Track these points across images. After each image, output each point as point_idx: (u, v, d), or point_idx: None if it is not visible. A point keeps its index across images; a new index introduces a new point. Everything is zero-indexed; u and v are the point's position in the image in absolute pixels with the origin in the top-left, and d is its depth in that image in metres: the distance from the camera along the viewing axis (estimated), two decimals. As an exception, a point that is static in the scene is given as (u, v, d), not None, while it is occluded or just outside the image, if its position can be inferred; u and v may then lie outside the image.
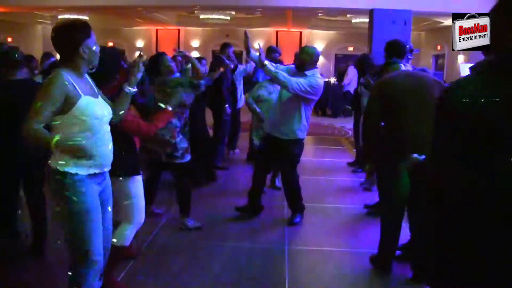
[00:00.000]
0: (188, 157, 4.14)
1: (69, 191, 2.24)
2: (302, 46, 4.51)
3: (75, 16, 17.28)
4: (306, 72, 4.23)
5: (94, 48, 2.32)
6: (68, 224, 2.30)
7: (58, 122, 2.23)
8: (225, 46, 6.74)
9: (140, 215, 3.10)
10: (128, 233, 3.07)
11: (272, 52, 6.35)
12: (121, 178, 2.95)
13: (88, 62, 2.32)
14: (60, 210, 2.29)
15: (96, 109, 2.30)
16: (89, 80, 2.43)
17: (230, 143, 7.36)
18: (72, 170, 2.25)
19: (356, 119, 6.49)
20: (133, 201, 3.04)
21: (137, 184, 3.08)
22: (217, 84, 6.36)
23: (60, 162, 2.25)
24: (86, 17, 17.79)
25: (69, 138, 2.19)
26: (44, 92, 2.18)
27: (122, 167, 2.85)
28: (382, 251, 3.44)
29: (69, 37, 2.26)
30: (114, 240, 2.85)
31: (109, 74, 2.93)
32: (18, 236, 3.74)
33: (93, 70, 2.39)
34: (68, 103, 2.20)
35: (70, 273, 2.36)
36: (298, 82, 4.12)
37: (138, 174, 3.08)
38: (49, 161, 2.30)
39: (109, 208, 2.56)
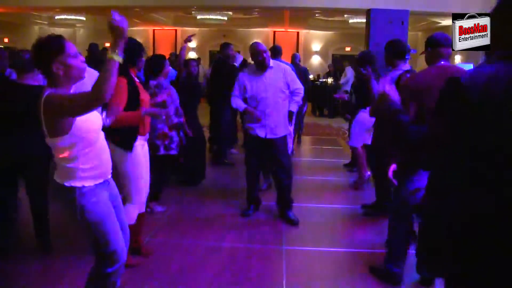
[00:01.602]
0: (177, 150, 4.46)
1: (81, 203, 2.26)
2: (253, 46, 4.38)
3: (72, 17, 17.30)
4: (271, 65, 4.37)
5: (72, 62, 2.21)
6: (89, 233, 2.34)
7: (60, 143, 2.21)
8: (225, 46, 6.76)
9: (140, 195, 3.34)
10: (130, 212, 3.28)
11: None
12: (119, 149, 3.19)
13: (68, 77, 2.22)
14: (77, 221, 2.31)
15: (92, 122, 2.29)
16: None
17: (229, 142, 7.43)
18: (78, 184, 2.27)
19: (351, 119, 6.50)
20: (132, 181, 3.27)
21: (136, 164, 3.28)
22: (219, 83, 6.39)
23: (64, 177, 2.27)
24: (83, 18, 17.81)
25: (72, 157, 2.24)
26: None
27: (121, 137, 3.18)
28: (391, 259, 3.27)
29: (39, 56, 2.23)
30: None
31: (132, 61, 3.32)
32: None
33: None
34: (67, 123, 2.17)
35: (91, 275, 2.44)
36: (297, 87, 4.45)
37: (130, 150, 3.25)
38: (54, 177, 2.31)
39: (121, 212, 2.60)
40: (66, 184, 2.26)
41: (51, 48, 2.19)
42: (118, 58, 2.05)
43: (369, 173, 5.63)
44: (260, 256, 3.74)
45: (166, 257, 3.65)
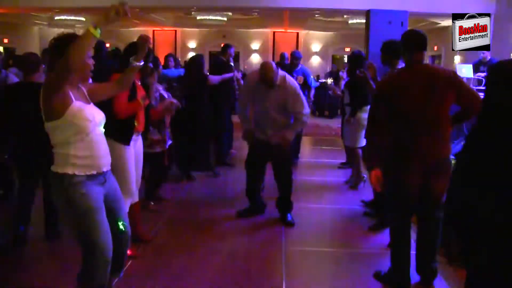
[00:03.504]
0: (157, 148, 4.55)
1: (69, 192, 2.33)
2: (265, 68, 4.24)
3: (72, 17, 17.26)
4: (278, 83, 4.25)
5: (88, 62, 2.43)
6: (74, 224, 2.41)
7: (53, 126, 2.34)
8: (226, 47, 6.78)
9: (129, 185, 3.45)
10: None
11: (294, 59, 6.97)
12: (116, 142, 3.31)
13: (80, 75, 2.42)
14: (65, 211, 2.40)
15: (87, 112, 2.40)
16: (83, 90, 2.52)
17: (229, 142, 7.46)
18: (69, 171, 2.34)
19: (343, 118, 6.56)
20: (122, 174, 3.32)
21: (128, 156, 3.44)
22: (219, 83, 6.41)
23: (58, 165, 2.36)
24: (82, 18, 17.80)
25: (65, 142, 2.35)
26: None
27: (117, 133, 3.31)
28: (396, 268, 3.22)
29: (60, 51, 2.32)
30: None
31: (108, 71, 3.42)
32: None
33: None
34: (61, 107, 2.30)
35: (81, 268, 2.47)
36: (305, 109, 4.30)
37: (128, 144, 3.45)
38: (51, 167, 2.39)
39: (122, 208, 2.68)
40: (59, 171, 2.35)
41: None
42: (96, 33, 2.16)
43: (365, 176, 5.67)
44: (259, 257, 3.74)
45: (166, 257, 3.65)
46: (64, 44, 2.32)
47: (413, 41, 3.02)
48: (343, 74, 11.51)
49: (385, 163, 3.14)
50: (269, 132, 4.37)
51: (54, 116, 2.31)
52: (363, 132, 5.20)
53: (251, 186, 4.63)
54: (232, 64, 6.79)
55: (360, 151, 5.51)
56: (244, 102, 4.53)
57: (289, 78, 4.37)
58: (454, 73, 3.07)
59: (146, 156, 4.37)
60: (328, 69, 18.17)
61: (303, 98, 4.37)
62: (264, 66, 4.28)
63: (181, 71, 6.40)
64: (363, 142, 5.27)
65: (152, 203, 4.77)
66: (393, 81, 3.13)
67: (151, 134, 4.43)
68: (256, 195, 4.68)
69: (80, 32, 2.57)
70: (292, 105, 4.28)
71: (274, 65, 4.30)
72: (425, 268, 3.19)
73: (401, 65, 4.21)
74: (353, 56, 5.41)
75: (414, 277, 3.23)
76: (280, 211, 4.57)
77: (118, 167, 3.35)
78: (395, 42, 4.23)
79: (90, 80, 3.75)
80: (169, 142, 4.79)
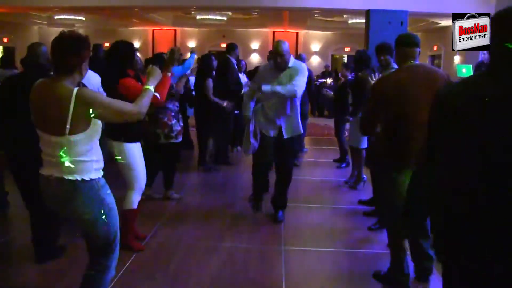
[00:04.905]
0: (180, 138, 4.80)
1: (101, 194, 2.37)
2: (275, 45, 4.31)
3: (72, 17, 17.26)
4: (290, 65, 4.24)
5: (86, 67, 2.36)
6: (104, 223, 2.38)
7: (79, 139, 2.23)
8: (232, 46, 6.75)
9: (141, 182, 3.65)
10: (133, 198, 3.64)
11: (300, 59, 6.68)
12: (123, 143, 3.50)
13: (81, 78, 2.36)
14: (96, 214, 2.34)
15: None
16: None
17: (234, 140, 7.47)
18: (94, 176, 2.34)
19: (338, 116, 6.57)
20: (134, 171, 3.59)
21: (137, 154, 3.60)
22: (224, 82, 6.41)
23: (82, 172, 2.29)
24: (82, 18, 17.80)
25: (87, 150, 2.30)
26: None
27: (124, 133, 3.45)
28: (395, 267, 3.22)
29: (77, 51, 2.25)
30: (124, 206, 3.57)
31: (125, 67, 3.52)
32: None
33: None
34: (88, 119, 2.22)
35: (91, 267, 2.46)
36: (296, 84, 4.11)
37: (137, 141, 3.61)
38: (66, 177, 2.26)
39: None
40: (85, 178, 2.29)
41: (88, 48, 2.33)
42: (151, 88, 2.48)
43: (365, 177, 5.67)
44: (259, 256, 3.74)
45: (166, 257, 3.65)
46: (82, 48, 2.26)
47: (401, 37, 3.17)
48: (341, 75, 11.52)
49: (382, 163, 3.16)
50: (277, 122, 4.30)
51: (83, 128, 2.23)
52: None
53: (257, 193, 4.63)
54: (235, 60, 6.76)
55: (364, 152, 5.51)
56: (253, 89, 4.43)
57: (301, 63, 4.41)
58: (447, 74, 3.16)
59: (170, 146, 4.71)
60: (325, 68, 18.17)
61: (304, 79, 4.22)
62: (277, 42, 4.29)
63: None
64: (366, 143, 5.26)
65: (174, 193, 5.04)
66: (392, 81, 3.13)
67: (175, 126, 4.66)
68: (261, 190, 4.69)
69: (80, 31, 2.55)
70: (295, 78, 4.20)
71: (287, 44, 4.26)
72: (420, 263, 3.20)
73: (393, 64, 4.26)
74: (358, 55, 5.41)
75: (411, 274, 3.25)
76: (274, 207, 4.59)
77: (124, 164, 3.56)
78: (386, 42, 4.33)
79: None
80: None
